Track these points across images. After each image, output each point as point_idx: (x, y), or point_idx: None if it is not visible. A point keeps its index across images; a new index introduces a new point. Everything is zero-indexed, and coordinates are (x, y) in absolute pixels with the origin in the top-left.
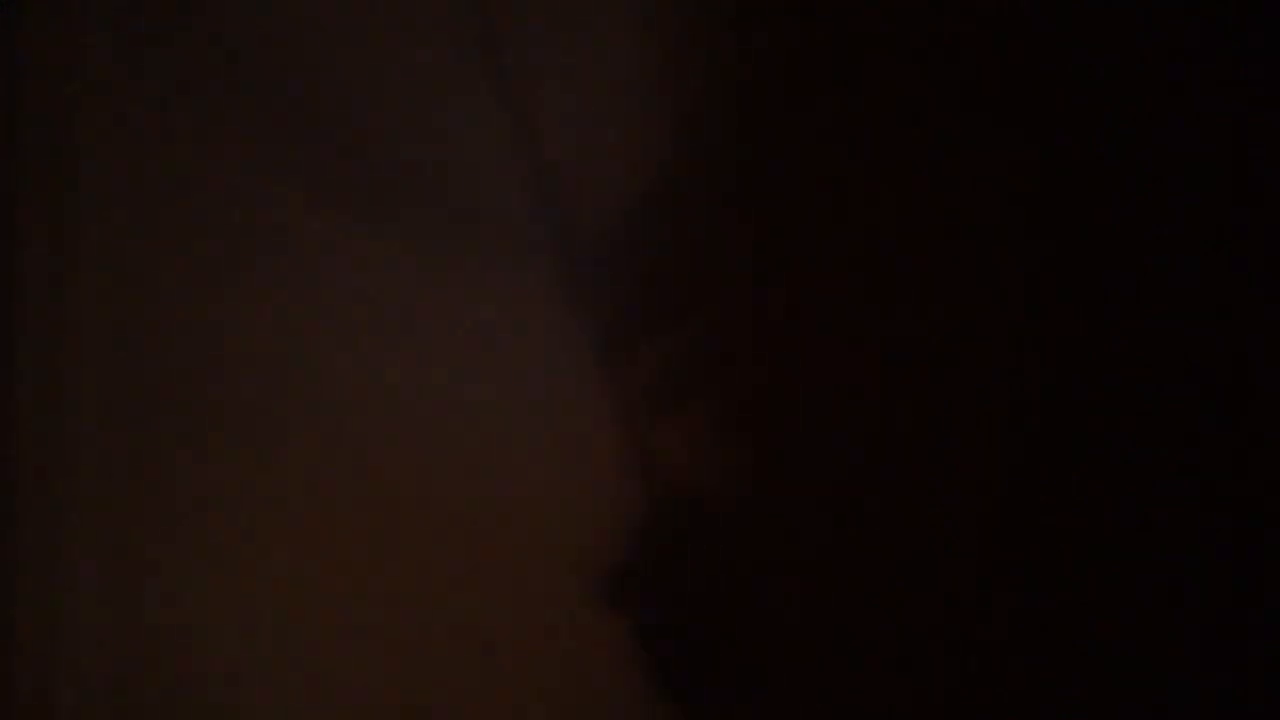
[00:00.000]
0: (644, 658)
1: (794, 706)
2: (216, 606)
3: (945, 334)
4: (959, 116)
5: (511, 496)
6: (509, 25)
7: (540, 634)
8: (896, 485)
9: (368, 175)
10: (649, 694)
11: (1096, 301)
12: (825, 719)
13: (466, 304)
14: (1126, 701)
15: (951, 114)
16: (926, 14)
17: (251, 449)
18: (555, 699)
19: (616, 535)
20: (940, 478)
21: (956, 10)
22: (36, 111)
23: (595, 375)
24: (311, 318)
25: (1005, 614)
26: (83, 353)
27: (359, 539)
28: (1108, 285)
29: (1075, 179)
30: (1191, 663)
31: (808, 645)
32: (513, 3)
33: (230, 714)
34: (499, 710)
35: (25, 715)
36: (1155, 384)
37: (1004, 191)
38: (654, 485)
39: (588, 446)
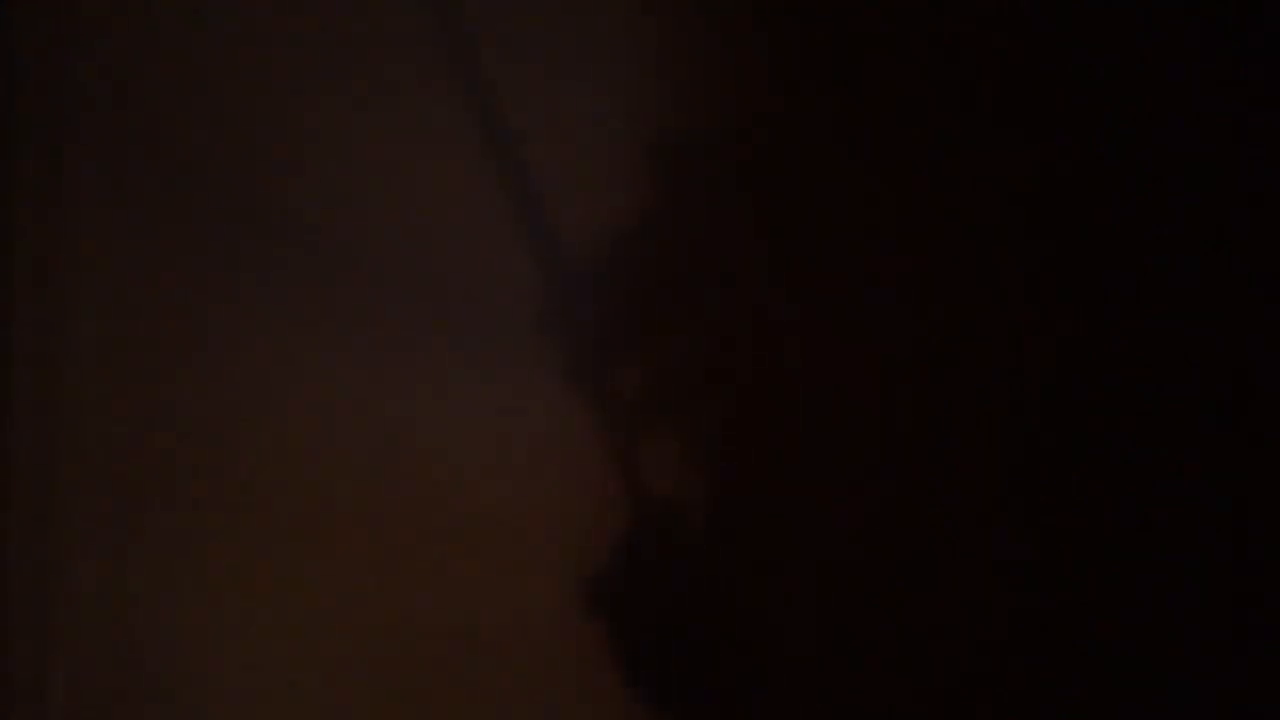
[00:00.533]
0: (639, 660)
1: (794, 706)
2: (211, 610)
3: (945, 334)
4: (959, 116)
5: (505, 502)
6: (506, 24)
7: (536, 640)
8: (896, 485)
9: (366, 180)
10: (647, 696)
11: (1096, 301)
12: (825, 719)
13: (458, 317)
14: (1126, 701)
15: (951, 114)
16: (926, 14)
17: (250, 450)
18: (554, 703)
19: (614, 537)
20: (940, 478)
21: (956, 10)
22: (35, 112)
23: (593, 376)
24: (310, 320)
25: (1005, 614)
26: (80, 359)
27: (352, 546)
28: (1108, 285)
29: (1075, 179)
30: (1191, 663)
31: (808, 645)
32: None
33: (227, 716)
34: (494, 716)
35: (23, 715)
36: (1155, 384)
37: (1004, 191)
38: (649, 490)
39: (585, 452)
